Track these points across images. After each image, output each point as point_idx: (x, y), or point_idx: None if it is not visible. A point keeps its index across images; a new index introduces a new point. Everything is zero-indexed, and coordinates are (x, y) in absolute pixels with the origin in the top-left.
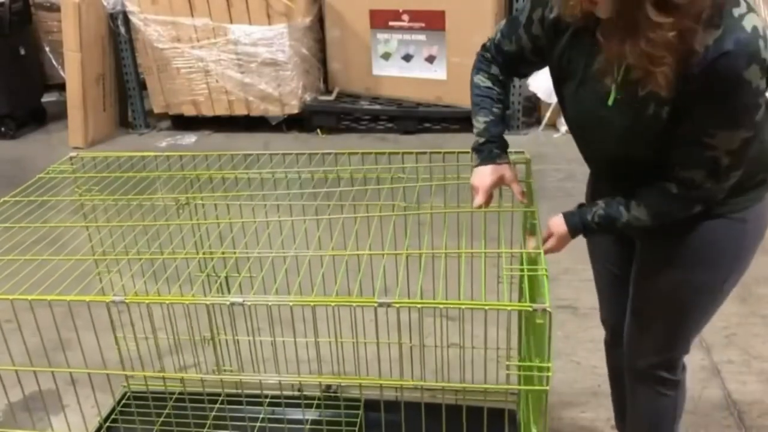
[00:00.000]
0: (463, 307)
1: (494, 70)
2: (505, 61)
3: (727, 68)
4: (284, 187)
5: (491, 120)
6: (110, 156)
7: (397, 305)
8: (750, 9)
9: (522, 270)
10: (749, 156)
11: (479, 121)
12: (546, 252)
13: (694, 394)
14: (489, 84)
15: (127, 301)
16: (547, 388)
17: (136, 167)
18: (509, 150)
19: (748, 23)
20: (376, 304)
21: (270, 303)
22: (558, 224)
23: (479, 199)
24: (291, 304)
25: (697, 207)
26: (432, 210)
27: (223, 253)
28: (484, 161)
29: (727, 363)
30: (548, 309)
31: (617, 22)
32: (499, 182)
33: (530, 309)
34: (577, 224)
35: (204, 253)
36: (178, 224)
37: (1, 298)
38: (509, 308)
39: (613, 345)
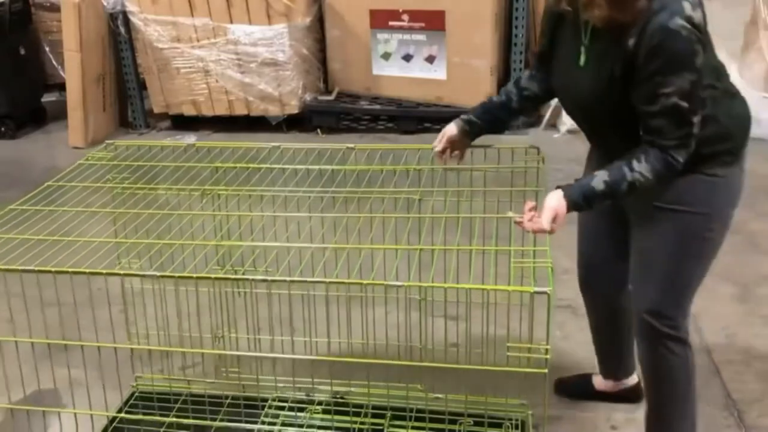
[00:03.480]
0: (468, 287)
1: (525, 82)
2: (540, 66)
3: (658, 23)
4: (305, 182)
5: (482, 104)
6: (144, 145)
7: (407, 285)
8: None
9: (528, 261)
10: (708, 132)
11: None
12: (539, 231)
13: None
14: (510, 88)
15: (159, 275)
16: (545, 370)
17: (167, 158)
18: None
19: None
20: (385, 284)
21: (291, 280)
22: (553, 202)
23: (436, 142)
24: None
25: (679, 156)
26: (442, 211)
27: (234, 243)
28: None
29: (727, 363)
30: (549, 292)
31: None
32: (456, 139)
33: (532, 291)
34: (577, 197)
35: (219, 241)
36: (202, 215)
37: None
38: (510, 290)
39: (588, 286)
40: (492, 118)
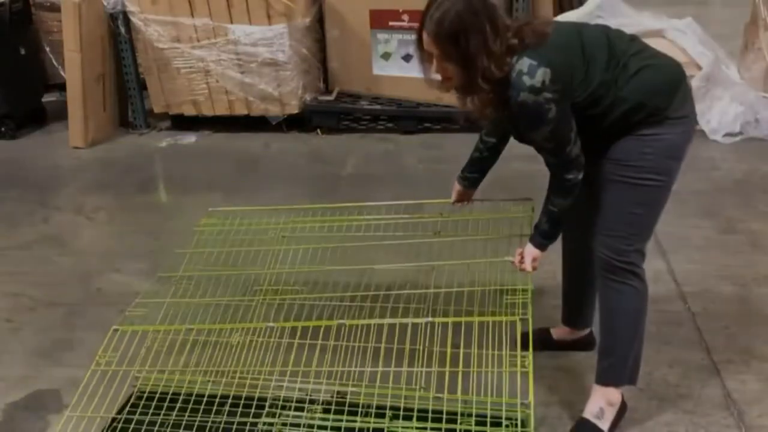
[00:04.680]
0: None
1: (485, 136)
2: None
3: (513, 100)
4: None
5: (469, 161)
6: (240, 210)
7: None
8: (519, 57)
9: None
10: (622, 110)
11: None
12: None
13: (694, 393)
14: (478, 144)
15: None
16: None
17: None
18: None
19: (514, 72)
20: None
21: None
22: (530, 251)
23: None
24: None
25: (570, 175)
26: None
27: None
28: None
29: (727, 363)
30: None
31: (463, 87)
32: (462, 191)
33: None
34: (540, 240)
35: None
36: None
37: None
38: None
39: (567, 240)
40: (479, 169)
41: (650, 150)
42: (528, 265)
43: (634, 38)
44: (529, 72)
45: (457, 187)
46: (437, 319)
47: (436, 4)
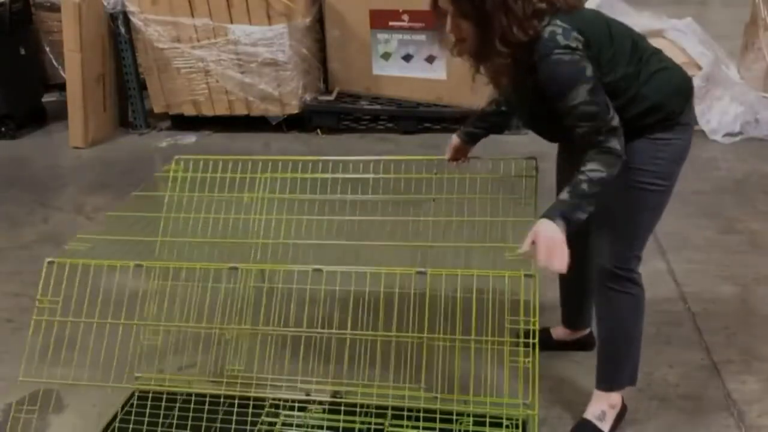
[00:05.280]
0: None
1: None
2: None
3: (542, 60)
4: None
5: (478, 114)
6: (210, 158)
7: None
8: (550, 20)
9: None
10: (641, 108)
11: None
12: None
13: (694, 393)
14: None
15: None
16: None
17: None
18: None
19: (545, 33)
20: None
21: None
22: (546, 228)
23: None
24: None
25: (611, 144)
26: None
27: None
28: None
29: (727, 363)
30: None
31: (478, 50)
32: (459, 147)
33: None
34: (557, 216)
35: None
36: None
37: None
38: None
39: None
40: (488, 124)
41: (662, 155)
42: (544, 256)
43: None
44: (563, 34)
45: (455, 141)
46: (431, 270)
47: None
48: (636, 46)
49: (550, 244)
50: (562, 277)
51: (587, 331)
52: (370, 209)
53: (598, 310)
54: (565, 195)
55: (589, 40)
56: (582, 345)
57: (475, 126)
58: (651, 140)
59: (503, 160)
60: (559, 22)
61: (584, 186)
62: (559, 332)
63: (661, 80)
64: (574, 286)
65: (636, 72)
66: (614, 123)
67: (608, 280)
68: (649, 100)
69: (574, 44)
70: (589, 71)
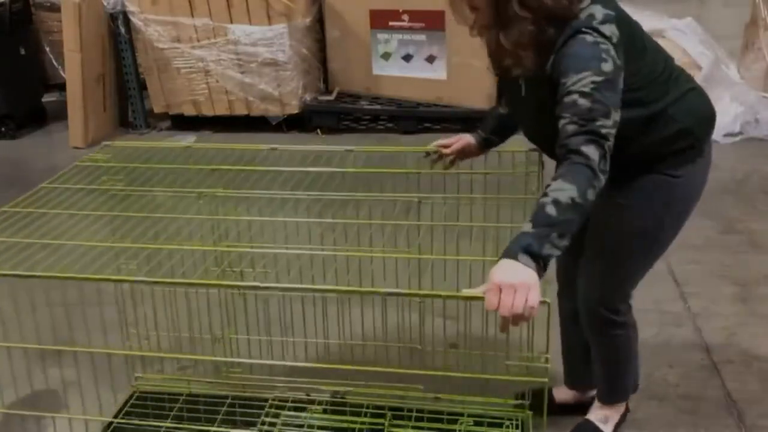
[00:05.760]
0: (465, 297)
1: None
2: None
3: (569, 40)
4: (302, 184)
5: (497, 119)
6: (141, 146)
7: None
8: (590, 3)
9: None
10: (668, 131)
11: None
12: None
13: (694, 393)
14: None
15: (147, 280)
16: (546, 379)
17: (164, 160)
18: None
19: (584, 14)
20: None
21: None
22: (503, 271)
23: (447, 141)
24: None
25: (588, 148)
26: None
27: (230, 246)
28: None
29: (727, 363)
30: (547, 301)
31: (494, 18)
32: (473, 150)
33: None
34: (519, 251)
35: (214, 244)
36: (198, 218)
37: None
38: None
39: (563, 297)
40: (505, 132)
41: (677, 195)
42: (496, 305)
43: None
44: (603, 20)
45: (470, 140)
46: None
47: None
48: (667, 62)
49: (507, 289)
50: (563, 329)
51: (593, 392)
52: (349, 208)
53: (591, 345)
54: (527, 225)
55: (620, 38)
56: (587, 409)
57: (495, 134)
58: (667, 176)
59: (502, 152)
60: (600, 8)
61: (550, 210)
62: (561, 394)
63: (691, 102)
64: (576, 338)
65: (665, 88)
66: (603, 131)
67: (596, 323)
68: (678, 123)
69: (608, 33)
70: (608, 67)
